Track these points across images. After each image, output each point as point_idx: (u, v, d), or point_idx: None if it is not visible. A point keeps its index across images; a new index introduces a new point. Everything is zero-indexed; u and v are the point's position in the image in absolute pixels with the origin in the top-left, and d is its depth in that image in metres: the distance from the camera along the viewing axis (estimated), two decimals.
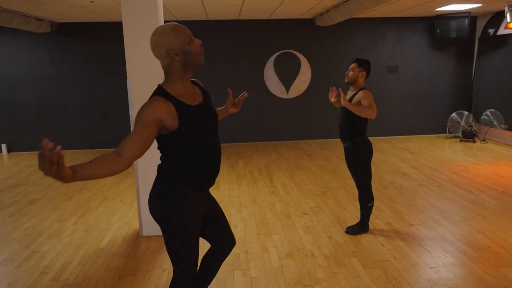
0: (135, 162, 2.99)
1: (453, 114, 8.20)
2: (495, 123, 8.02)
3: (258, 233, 3.82)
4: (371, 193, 3.75)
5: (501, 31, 7.57)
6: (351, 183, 5.21)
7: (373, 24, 8.10)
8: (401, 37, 8.21)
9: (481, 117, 8.28)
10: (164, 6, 5.89)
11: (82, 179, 1.54)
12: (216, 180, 5.33)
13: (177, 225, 1.92)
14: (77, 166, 1.51)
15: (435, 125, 8.63)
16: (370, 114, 3.55)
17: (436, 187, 5.06)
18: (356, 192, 4.10)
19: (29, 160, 7.26)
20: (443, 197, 4.68)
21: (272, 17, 7.70)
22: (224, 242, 2.26)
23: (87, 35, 7.67)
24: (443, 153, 6.92)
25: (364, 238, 3.66)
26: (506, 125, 7.81)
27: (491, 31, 7.85)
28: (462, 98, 8.59)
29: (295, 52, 8.09)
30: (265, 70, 8.09)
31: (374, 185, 5.22)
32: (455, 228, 3.80)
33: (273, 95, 8.18)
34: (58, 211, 4.53)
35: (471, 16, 7.73)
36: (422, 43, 8.27)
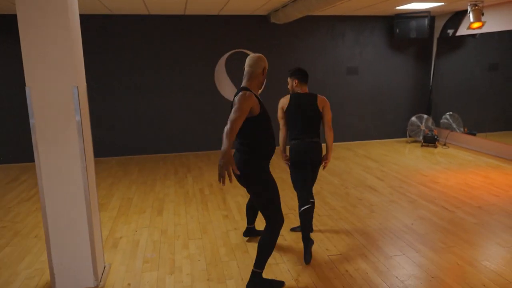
0: (41, 190, 2.75)
1: (413, 118, 7.89)
2: (454, 126, 7.81)
3: (208, 279, 3.05)
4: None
5: (461, 31, 7.33)
6: (323, 202, 4.59)
7: (332, 22, 7.58)
8: (360, 37, 7.76)
9: (441, 121, 8.04)
10: None
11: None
12: (160, 203, 4.52)
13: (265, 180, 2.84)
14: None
15: (395, 129, 8.29)
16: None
17: (408, 203, 4.56)
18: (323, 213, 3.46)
19: None
20: (418, 216, 4.17)
21: (222, 13, 6.93)
22: None
23: None
24: (406, 160, 6.52)
25: (338, 279, 3.01)
26: (465, 129, 7.60)
27: (450, 31, 7.60)
28: (422, 100, 8.32)
29: (248, 52, 7.37)
30: (215, 72, 7.31)
31: (341, 203, 4.65)
32: (440, 259, 3.26)
33: (225, 99, 7.42)
34: None
35: (430, 16, 7.43)
36: (382, 43, 7.88)
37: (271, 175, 2.89)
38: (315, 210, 4.40)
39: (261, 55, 2.91)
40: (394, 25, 7.53)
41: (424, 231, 3.81)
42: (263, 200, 2.83)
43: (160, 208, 4.59)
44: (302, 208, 3.36)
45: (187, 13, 6.80)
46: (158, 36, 6.97)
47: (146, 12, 6.62)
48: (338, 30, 7.64)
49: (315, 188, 5.16)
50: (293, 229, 3.92)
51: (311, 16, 7.39)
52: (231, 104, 2.86)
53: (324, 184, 5.35)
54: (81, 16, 6.55)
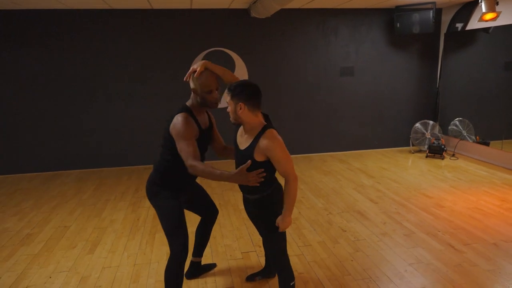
0: None
1: (417, 124, 6.91)
2: (465, 134, 6.81)
3: None
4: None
5: (472, 25, 6.35)
6: (298, 235, 3.68)
7: (322, 16, 6.66)
8: (355, 33, 6.82)
9: (449, 127, 7.05)
10: None
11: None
12: (99, 233, 3.70)
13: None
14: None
15: (397, 137, 7.33)
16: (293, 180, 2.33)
17: (404, 238, 3.62)
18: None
19: None
20: (415, 259, 3.24)
21: (195, 7, 6.06)
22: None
23: None
24: (407, 176, 5.56)
25: None
26: (477, 137, 6.60)
27: (459, 25, 6.62)
28: (427, 104, 7.34)
29: (227, 51, 6.49)
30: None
31: (320, 236, 3.74)
32: None
33: None
34: None
35: (436, 8, 6.47)
36: (381, 40, 6.92)
37: (177, 202, 2.55)
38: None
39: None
40: (394, 19, 6.58)
41: (421, 284, 2.88)
42: (162, 225, 2.55)
43: (96, 241, 3.73)
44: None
45: (154, 7, 5.94)
46: (116, 33, 6.13)
47: (107, 7, 5.78)
48: (330, 25, 6.71)
49: (293, 214, 4.26)
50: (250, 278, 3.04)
51: (299, 9, 6.49)
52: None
53: (304, 208, 4.44)
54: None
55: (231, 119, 2.29)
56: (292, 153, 6.96)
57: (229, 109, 2.29)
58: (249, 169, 2.19)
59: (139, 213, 4.47)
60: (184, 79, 2.50)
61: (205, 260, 3.33)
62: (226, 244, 3.62)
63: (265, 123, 2.32)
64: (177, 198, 2.55)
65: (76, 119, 6.26)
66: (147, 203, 4.76)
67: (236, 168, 2.30)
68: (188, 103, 2.48)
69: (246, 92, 2.24)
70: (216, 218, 3.01)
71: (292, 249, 3.46)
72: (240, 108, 2.21)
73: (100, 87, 6.21)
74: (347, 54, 6.86)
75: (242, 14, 6.36)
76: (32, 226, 4.14)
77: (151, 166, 6.41)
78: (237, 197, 4.90)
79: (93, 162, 6.43)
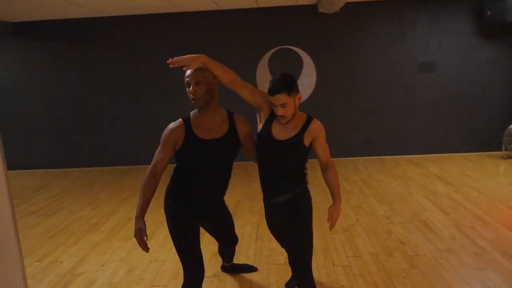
0: None
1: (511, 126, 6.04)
2: None
3: None
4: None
5: None
6: (350, 243, 3.46)
7: (399, 8, 6.15)
8: (438, 25, 6.17)
9: None
10: None
11: None
12: (155, 227, 3.85)
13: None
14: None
15: (486, 140, 6.48)
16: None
17: (473, 256, 3.16)
18: None
19: None
20: (482, 282, 2.79)
21: (262, 5, 6.03)
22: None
23: (51, 36, 6.45)
24: (494, 185, 4.87)
25: None
26: None
27: None
28: None
29: (295, 49, 6.35)
30: (257, 72, 6.44)
31: (374, 247, 3.43)
32: None
33: None
34: None
35: None
36: (467, 31, 6.17)
37: (180, 217, 2.30)
38: (328, 256, 3.29)
39: None
40: (484, 7, 5.82)
41: None
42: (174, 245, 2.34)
43: (151, 235, 3.89)
44: None
45: (221, 7, 6.05)
46: (186, 35, 6.35)
47: (173, 10, 6.04)
48: (408, 17, 6.17)
49: (349, 220, 4.00)
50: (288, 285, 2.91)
51: (370, 1, 6.07)
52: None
53: (363, 215, 4.14)
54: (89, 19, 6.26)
55: (286, 118, 2.15)
56: (362, 154, 6.58)
57: (285, 111, 2.12)
58: (293, 158, 2.25)
59: None
60: (168, 61, 2.14)
61: (248, 261, 3.27)
62: (272, 248, 3.51)
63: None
64: (181, 215, 2.29)
65: (153, 117, 6.65)
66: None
67: (270, 159, 2.27)
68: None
69: (296, 82, 2.19)
70: (233, 247, 2.89)
71: (339, 259, 3.23)
72: (299, 99, 2.18)
73: (171, 87, 6.52)
74: (427, 48, 6.24)
75: (309, 10, 6.16)
76: (101, 216, 4.49)
77: None
78: None
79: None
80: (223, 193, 2.44)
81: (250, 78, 6.41)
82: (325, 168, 2.34)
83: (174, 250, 3.52)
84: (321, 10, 5.90)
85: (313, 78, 6.43)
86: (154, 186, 2.19)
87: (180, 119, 2.25)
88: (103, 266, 3.32)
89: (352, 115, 6.50)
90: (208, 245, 3.54)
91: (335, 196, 2.29)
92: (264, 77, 6.43)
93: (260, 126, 2.33)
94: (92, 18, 6.29)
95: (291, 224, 2.32)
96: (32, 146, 6.84)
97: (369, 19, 6.19)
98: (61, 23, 6.34)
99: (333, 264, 3.16)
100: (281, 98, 2.10)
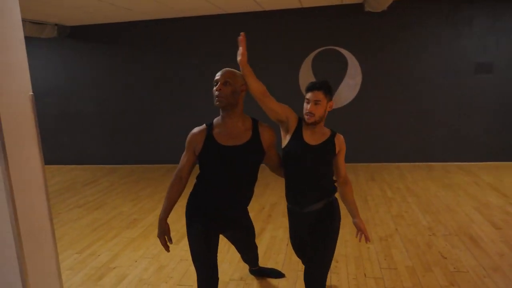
0: None
1: None
2: None
3: None
4: None
5: None
6: (385, 254, 3.30)
7: (453, 4, 5.77)
8: (496, 22, 5.71)
9: None
10: None
11: None
12: None
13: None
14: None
15: None
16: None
17: None
18: None
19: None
20: None
21: (305, 5, 5.92)
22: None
23: (100, 38, 6.81)
24: None
25: None
26: None
27: None
28: None
29: (340, 49, 6.17)
30: (300, 73, 6.34)
31: (411, 260, 3.23)
32: None
33: None
34: None
35: None
36: None
37: (197, 224, 2.25)
38: (360, 266, 3.14)
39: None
40: None
41: None
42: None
43: (185, 233, 3.95)
44: None
45: (265, 8, 6.02)
46: (230, 37, 6.37)
47: (218, 11, 6.11)
48: (463, 14, 5.77)
49: (387, 229, 3.81)
50: None
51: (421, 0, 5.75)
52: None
53: (404, 225, 3.91)
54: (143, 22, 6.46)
55: (314, 117, 2.18)
56: (409, 160, 6.27)
57: (315, 109, 2.18)
58: (327, 162, 2.27)
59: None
60: (241, 37, 2.33)
61: (276, 266, 3.21)
62: None
63: None
64: (198, 223, 2.23)
65: (200, 117, 6.79)
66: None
67: (302, 165, 2.24)
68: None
69: (332, 92, 2.29)
70: (252, 255, 2.87)
71: (372, 270, 3.08)
72: (330, 107, 2.24)
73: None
74: (485, 47, 5.80)
75: (355, 9, 5.95)
76: (141, 213, 4.64)
77: None
78: None
79: None
80: (245, 203, 2.36)
81: (292, 79, 6.34)
82: (344, 183, 2.37)
83: None
84: (367, 9, 5.68)
85: (358, 79, 6.22)
86: (179, 190, 2.24)
87: (204, 124, 2.27)
88: (135, 261, 3.42)
89: (399, 118, 6.20)
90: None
91: (355, 210, 2.33)
92: (307, 79, 6.31)
93: (286, 140, 2.31)
94: (141, 21, 6.54)
95: (316, 236, 2.25)
96: (86, 142, 7.25)
97: (420, 17, 5.87)
98: (112, 27, 6.66)
99: (365, 275, 3.02)
100: (318, 95, 2.17)
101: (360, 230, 2.27)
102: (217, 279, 2.23)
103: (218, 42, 6.42)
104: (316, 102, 2.17)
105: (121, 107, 6.99)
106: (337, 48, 6.18)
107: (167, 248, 2.25)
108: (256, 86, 2.22)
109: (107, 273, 3.24)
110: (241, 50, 2.25)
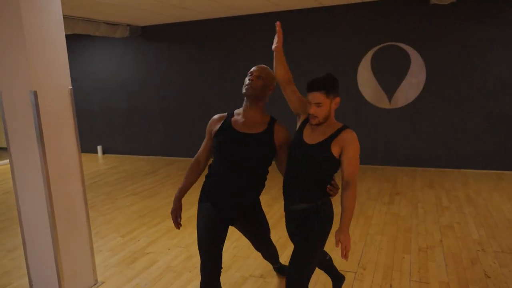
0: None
1: None
2: None
3: None
4: None
5: None
6: (421, 266, 3.08)
7: None
8: None
9: None
10: None
11: None
12: None
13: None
14: None
15: None
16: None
17: None
18: None
19: (110, 163, 7.32)
20: None
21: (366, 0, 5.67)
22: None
23: (169, 37, 7.22)
24: None
25: None
26: None
27: None
28: None
29: (402, 45, 5.81)
30: (359, 71, 6.10)
31: (450, 276, 2.95)
32: None
33: (370, 104, 6.11)
34: None
35: None
36: None
37: (205, 211, 2.27)
38: (388, 276, 2.94)
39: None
40: None
41: None
42: None
43: None
44: None
45: (323, 4, 5.88)
46: (287, 33, 6.33)
47: (272, 9, 6.10)
48: None
49: (431, 240, 3.53)
50: None
51: None
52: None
53: (451, 236, 3.58)
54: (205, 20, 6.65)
55: (318, 119, 2.05)
56: (476, 166, 5.72)
57: (317, 111, 2.02)
58: (318, 164, 2.08)
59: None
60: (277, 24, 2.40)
61: None
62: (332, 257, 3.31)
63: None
64: (207, 211, 2.25)
65: None
66: None
67: (295, 161, 2.15)
68: None
69: (338, 85, 2.09)
70: (266, 251, 2.76)
71: (400, 282, 2.87)
72: (336, 104, 2.09)
73: None
74: None
75: (419, 1, 5.54)
76: (186, 204, 4.79)
77: None
78: (370, 206, 4.38)
79: None
80: (253, 194, 2.36)
81: (351, 77, 6.12)
82: (345, 187, 2.05)
83: (235, 244, 3.62)
84: (433, 1, 5.26)
85: (422, 77, 5.79)
86: (196, 172, 2.40)
87: (226, 112, 2.40)
88: (168, 249, 3.60)
89: (466, 121, 5.66)
90: None
91: (343, 219, 2.03)
92: (366, 76, 6.05)
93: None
94: (203, 20, 6.80)
95: (300, 239, 2.16)
96: (150, 135, 7.76)
97: (494, 9, 5.28)
98: (176, 26, 7.02)
99: (390, 286, 2.83)
100: (317, 96, 2.02)
101: (337, 243, 2.04)
102: (219, 270, 2.23)
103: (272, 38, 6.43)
104: (317, 105, 2.01)
105: (183, 103, 7.35)
106: (399, 44, 5.82)
107: (177, 225, 2.39)
108: (281, 72, 2.31)
109: (140, 258, 3.45)
110: (276, 38, 2.35)
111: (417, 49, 5.73)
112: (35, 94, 2.48)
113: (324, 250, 2.58)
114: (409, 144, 6.02)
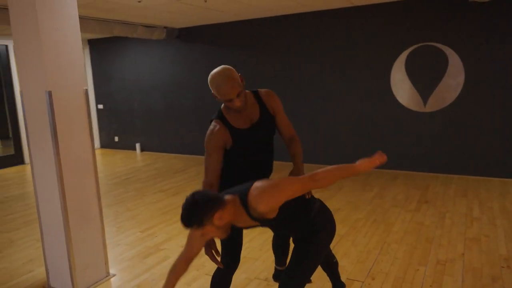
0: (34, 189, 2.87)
1: None
2: None
3: None
4: None
5: None
6: (436, 282, 2.92)
7: None
8: None
9: None
10: None
11: None
12: None
13: None
14: None
15: None
16: None
17: None
18: None
19: (146, 160, 7.62)
20: None
21: None
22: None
23: (204, 39, 7.37)
24: None
25: None
26: None
27: None
28: None
29: (438, 45, 5.51)
30: (392, 72, 5.87)
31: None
32: None
33: (403, 107, 5.86)
34: None
35: None
36: None
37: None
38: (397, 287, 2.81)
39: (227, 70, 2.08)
40: None
41: None
42: None
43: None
44: None
45: (352, 4, 5.72)
46: (317, 35, 6.21)
47: (305, 9, 6.02)
48: None
49: (453, 252, 3.33)
50: None
51: None
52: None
53: (475, 250, 3.35)
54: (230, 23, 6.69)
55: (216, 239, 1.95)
56: None
57: (206, 238, 1.88)
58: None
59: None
60: None
61: None
62: (340, 265, 3.21)
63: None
64: None
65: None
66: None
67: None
68: None
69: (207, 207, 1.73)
70: (287, 240, 2.71)
71: None
72: (220, 218, 1.71)
73: (306, 83, 6.56)
74: None
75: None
76: None
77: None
78: (393, 214, 4.20)
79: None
80: (271, 170, 2.38)
81: (383, 79, 5.91)
82: None
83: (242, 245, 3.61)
84: None
85: (460, 79, 5.46)
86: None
87: (214, 121, 2.21)
88: (181, 247, 3.67)
89: (509, 126, 5.26)
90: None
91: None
92: (399, 78, 5.81)
93: None
94: (235, 21, 6.87)
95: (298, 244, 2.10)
96: (184, 134, 7.96)
97: None
98: (210, 28, 7.15)
99: None
100: (194, 232, 1.87)
101: None
102: (235, 265, 2.33)
103: (305, 40, 6.36)
104: (204, 237, 1.86)
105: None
106: (435, 44, 5.53)
107: (218, 263, 2.12)
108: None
109: (154, 253, 3.56)
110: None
111: (455, 49, 5.41)
112: (49, 94, 2.64)
113: (331, 253, 2.53)
114: (445, 150, 5.70)
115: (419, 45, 5.62)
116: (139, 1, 4.89)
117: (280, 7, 5.81)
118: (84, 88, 2.89)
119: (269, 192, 1.74)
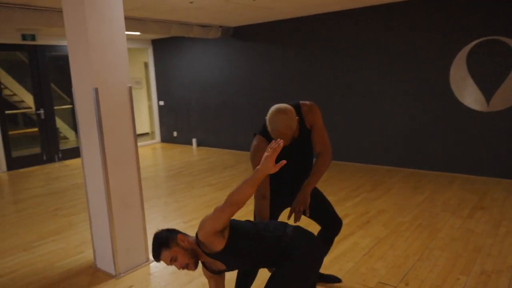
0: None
1: None
2: None
3: None
4: None
5: None
6: None
7: None
8: None
9: None
10: None
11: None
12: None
13: None
14: None
15: None
16: None
17: None
18: None
19: (200, 155, 7.93)
20: None
21: None
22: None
23: (257, 37, 7.49)
24: None
25: None
26: None
27: None
28: None
29: (504, 39, 5.07)
30: (451, 70, 5.51)
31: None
32: None
33: (465, 106, 5.48)
34: None
35: None
36: None
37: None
38: None
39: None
40: None
41: None
42: None
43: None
44: None
45: None
46: (369, 31, 5.99)
47: (353, 6, 5.84)
48: None
49: (502, 263, 3.08)
50: None
51: None
52: None
53: (489, 263, 3.07)
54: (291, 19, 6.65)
55: (193, 268, 1.99)
56: None
57: (180, 264, 1.97)
58: None
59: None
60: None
61: (339, 273, 3.05)
62: (374, 268, 3.12)
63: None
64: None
65: (333, 114, 6.75)
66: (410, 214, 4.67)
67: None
68: None
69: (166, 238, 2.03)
70: (335, 232, 2.64)
71: None
72: (183, 240, 1.98)
73: (346, 83, 6.39)
74: None
75: None
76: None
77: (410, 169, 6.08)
78: (442, 219, 3.95)
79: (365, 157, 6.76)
80: (309, 173, 2.46)
81: (442, 76, 5.57)
82: None
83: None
84: None
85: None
86: (267, 207, 2.30)
87: (257, 136, 2.36)
88: None
89: None
90: None
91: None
92: (460, 75, 5.44)
93: None
94: (287, 19, 6.87)
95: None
96: (238, 130, 8.14)
97: None
98: (263, 26, 7.22)
99: None
100: (165, 257, 1.99)
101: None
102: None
103: (360, 36, 6.18)
104: (173, 261, 1.97)
105: (267, 100, 7.54)
106: (501, 38, 5.09)
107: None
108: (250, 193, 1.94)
109: None
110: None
111: None
112: (96, 90, 2.88)
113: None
114: (510, 153, 5.24)
115: (482, 39, 5.21)
116: (191, 2, 5.10)
117: (329, 3, 5.71)
118: (128, 85, 3.11)
119: (203, 222, 1.92)
